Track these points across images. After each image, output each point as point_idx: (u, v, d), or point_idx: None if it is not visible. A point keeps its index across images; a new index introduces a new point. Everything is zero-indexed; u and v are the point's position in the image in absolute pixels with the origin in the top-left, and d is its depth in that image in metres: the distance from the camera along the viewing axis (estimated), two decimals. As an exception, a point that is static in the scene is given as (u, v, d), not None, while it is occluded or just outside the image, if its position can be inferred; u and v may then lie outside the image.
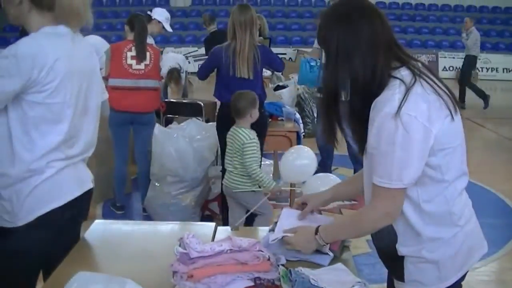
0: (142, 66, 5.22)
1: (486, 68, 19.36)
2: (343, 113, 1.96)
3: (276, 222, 2.33)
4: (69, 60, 2.20)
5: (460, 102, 10.38)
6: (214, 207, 5.47)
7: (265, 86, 5.41)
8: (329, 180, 3.83)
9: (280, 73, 8.18)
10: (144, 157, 5.51)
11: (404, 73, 1.87)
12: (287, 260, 2.10)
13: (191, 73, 8.86)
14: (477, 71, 18.95)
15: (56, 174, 2.24)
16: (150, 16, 6.56)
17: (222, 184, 4.59)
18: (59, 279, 1.98)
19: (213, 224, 2.62)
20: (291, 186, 5.21)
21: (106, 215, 5.57)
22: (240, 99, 4.27)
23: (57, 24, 2.20)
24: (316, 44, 6.06)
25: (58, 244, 2.32)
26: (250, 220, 4.87)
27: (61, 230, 2.32)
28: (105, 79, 5.24)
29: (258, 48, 4.65)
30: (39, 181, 2.21)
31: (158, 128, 5.28)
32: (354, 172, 5.70)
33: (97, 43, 7.57)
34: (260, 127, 4.83)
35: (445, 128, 1.84)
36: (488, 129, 10.41)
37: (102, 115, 2.55)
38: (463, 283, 2.04)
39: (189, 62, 9.47)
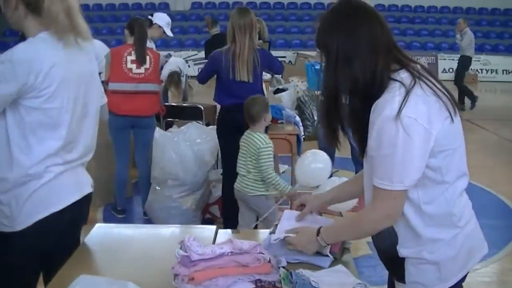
0: (142, 70, 5.22)
1: (486, 69, 19.38)
2: (344, 116, 1.97)
3: (277, 225, 2.33)
4: (66, 65, 2.20)
5: (459, 104, 10.39)
6: (214, 211, 5.48)
7: (265, 89, 5.42)
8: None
9: (280, 76, 8.19)
10: (144, 161, 5.52)
11: (404, 75, 1.88)
12: (287, 262, 2.11)
13: (191, 77, 8.88)
14: (477, 72, 19.01)
15: (55, 178, 2.25)
16: (151, 21, 6.59)
17: (228, 188, 4.56)
18: (60, 282, 1.99)
19: (214, 227, 2.62)
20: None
21: (107, 219, 5.58)
22: (253, 105, 4.29)
23: (46, 30, 2.20)
24: None
25: (57, 248, 2.33)
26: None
27: (60, 234, 2.33)
28: (105, 83, 5.26)
29: (258, 51, 4.66)
30: (37, 185, 2.21)
31: (158, 132, 5.29)
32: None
33: (97, 47, 7.57)
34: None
35: (445, 130, 1.84)
36: (487, 131, 10.41)
37: (101, 119, 2.55)
38: (463, 284, 2.04)
39: (189, 66, 9.49)
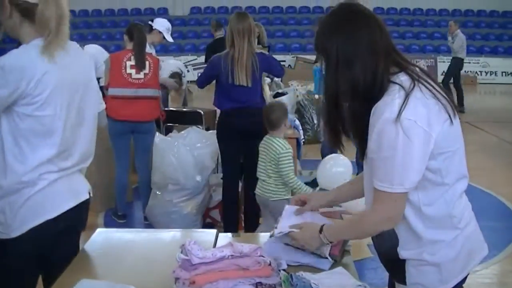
0: (141, 75, 5.23)
1: (485, 71, 19.39)
2: (346, 119, 1.98)
3: (277, 227, 2.34)
4: (59, 72, 2.19)
5: (459, 106, 10.39)
6: (215, 215, 5.48)
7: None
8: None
9: (280, 80, 8.21)
10: (145, 166, 5.52)
11: (403, 78, 1.88)
12: (288, 265, 2.12)
13: (190, 81, 8.90)
14: (476, 75, 19.02)
15: (49, 186, 2.24)
16: (151, 26, 6.61)
17: (228, 192, 4.53)
18: (62, 287, 1.99)
19: (214, 231, 2.63)
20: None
21: (107, 224, 5.58)
22: (273, 111, 4.33)
23: (40, 37, 2.19)
24: None
25: (55, 254, 2.33)
26: (254, 226, 4.89)
27: (56, 241, 2.32)
28: (105, 88, 5.27)
29: (257, 55, 4.67)
30: (32, 192, 2.21)
31: (158, 137, 5.29)
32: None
33: (97, 53, 7.62)
34: (260, 135, 4.85)
35: (445, 132, 1.85)
36: (487, 132, 10.41)
37: (98, 125, 2.54)
38: (464, 285, 2.04)
39: (188, 71, 9.51)
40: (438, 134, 1.83)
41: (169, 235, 2.87)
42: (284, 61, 16.74)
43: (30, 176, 2.19)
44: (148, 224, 5.40)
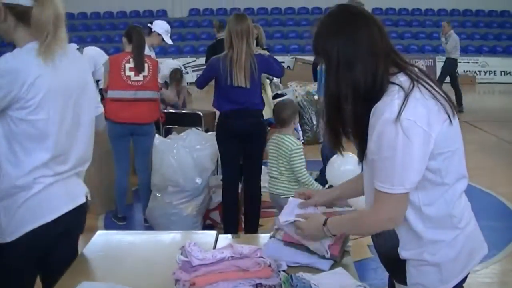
0: (140, 77, 5.23)
1: (484, 71, 19.40)
2: (347, 120, 1.98)
3: (277, 229, 2.35)
4: (53, 76, 2.18)
5: (458, 106, 10.37)
6: (215, 216, 5.48)
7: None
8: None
9: (279, 81, 8.22)
10: (144, 168, 5.52)
11: (402, 78, 1.88)
12: (288, 265, 2.12)
13: (189, 83, 8.90)
14: (475, 74, 19.04)
15: (44, 190, 2.23)
16: (150, 29, 6.62)
17: (228, 193, 4.53)
18: (63, 290, 2.00)
19: (214, 233, 2.63)
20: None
21: (108, 226, 5.58)
22: (283, 109, 4.40)
23: (34, 40, 2.18)
24: None
25: (53, 258, 2.34)
26: (254, 228, 4.89)
27: (54, 244, 2.32)
28: (104, 91, 5.28)
29: (255, 57, 4.68)
30: (27, 196, 2.20)
31: (158, 139, 5.29)
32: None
33: (96, 55, 7.63)
34: (259, 136, 4.86)
35: (444, 132, 1.85)
36: (486, 132, 10.42)
37: (96, 129, 2.53)
38: (464, 285, 2.04)
39: (187, 73, 9.51)
40: (437, 134, 1.83)
41: (169, 237, 2.87)
42: (283, 62, 16.72)
43: (25, 180, 2.18)
44: (148, 226, 5.41)
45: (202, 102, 8.01)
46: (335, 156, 4.84)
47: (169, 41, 6.81)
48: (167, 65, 7.64)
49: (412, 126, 1.78)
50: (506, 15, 21.60)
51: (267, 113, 5.36)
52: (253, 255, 1.97)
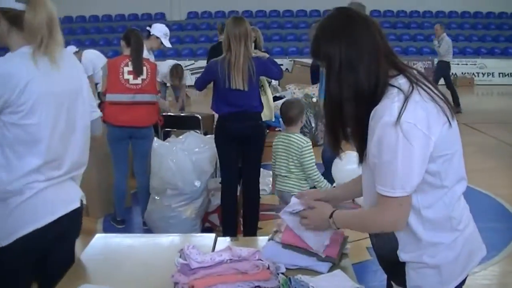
0: (139, 80, 5.23)
1: (482, 73, 19.44)
2: (347, 123, 1.98)
3: (275, 232, 2.35)
4: (45, 81, 2.17)
5: (455, 107, 10.35)
6: (214, 219, 5.47)
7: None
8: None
9: (277, 83, 8.22)
10: (143, 171, 5.52)
11: (402, 81, 1.88)
12: (286, 268, 2.13)
13: (188, 86, 8.90)
14: (473, 76, 19.06)
15: (37, 194, 2.22)
16: (149, 32, 6.63)
17: (226, 196, 4.51)
18: (62, 293, 2.00)
19: (213, 235, 2.63)
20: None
21: (106, 230, 5.57)
22: (291, 108, 4.41)
23: (28, 44, 2.18)
24: None
25: (49, 262, 2.33)
26: (253, 230, 4.89)
27: (49, 249, 2.32)
28: (102, 94, 5.27)
29: (253, 60, 4.68)
30: (19, 201, 2.19)
31: (156, 142, 5.29)
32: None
33: (95, 58, 7.64)
34: (257, 139, 4.86)
35: (444, 135, 1.85)
36: (485, 134, 10.42)
37: (93, 134, 2.51)
38: (464, 287, 2.05)
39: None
40: (437, 137, 1.83)
41: (168, 239, 2.87)
42: (282, 64, 16.70)
43: (16, 185, 2.17)
44: (147, 229, 5.40)
45: (201, 105, 8.02)
46: (341, 154, 4.89)
47: (168, 44, 6.81)
48: (166, 63, 7.65)
49: (412, 129, 1.78)
50: (504, 16, 21.66)
51: (266, 116, 5.36)
52: (252, 257, 1.97)
